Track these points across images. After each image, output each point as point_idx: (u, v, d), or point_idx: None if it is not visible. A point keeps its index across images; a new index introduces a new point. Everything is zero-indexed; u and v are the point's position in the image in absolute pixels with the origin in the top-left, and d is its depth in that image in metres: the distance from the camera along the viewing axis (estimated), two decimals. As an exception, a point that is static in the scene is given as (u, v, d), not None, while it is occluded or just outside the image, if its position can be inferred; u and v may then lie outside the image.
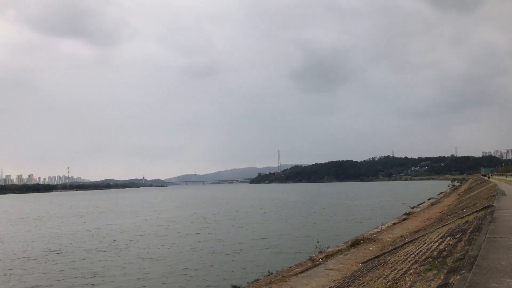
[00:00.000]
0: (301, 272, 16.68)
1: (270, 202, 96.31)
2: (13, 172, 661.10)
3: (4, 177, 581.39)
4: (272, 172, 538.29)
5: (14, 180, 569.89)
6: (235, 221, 51.51)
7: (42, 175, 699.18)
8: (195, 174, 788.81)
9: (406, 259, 10.87)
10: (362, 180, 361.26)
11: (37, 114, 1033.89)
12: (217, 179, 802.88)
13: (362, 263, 16.50)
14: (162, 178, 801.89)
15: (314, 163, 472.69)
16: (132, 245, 34.16)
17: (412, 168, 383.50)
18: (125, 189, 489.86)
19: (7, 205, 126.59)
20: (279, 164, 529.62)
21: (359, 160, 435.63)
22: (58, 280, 22.46)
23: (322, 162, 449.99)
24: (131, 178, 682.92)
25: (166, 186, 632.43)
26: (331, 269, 16.63)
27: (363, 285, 9.69)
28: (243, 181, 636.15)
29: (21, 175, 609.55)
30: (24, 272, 24.87)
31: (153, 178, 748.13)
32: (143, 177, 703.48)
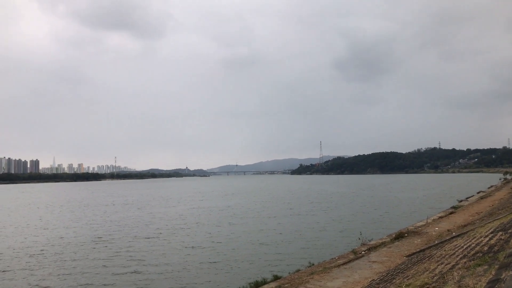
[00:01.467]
0: (343, 264, 16.50)
1: (311, 193, 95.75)
2: (64, 161, 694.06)
3: (56, 166, 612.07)
4: (313, 163, 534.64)
5: (65, 169, 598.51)
6: (276, 212, 51.60)
7: (91, 164, 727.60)
8: (236, 165, 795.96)
9: (454, 253, 10.48)
10: (407, 173, 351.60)
11: (86, 106, 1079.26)
12: (258, 170, 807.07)
13: (406, 256, 16.10)
14: (205, 168, 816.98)
15: (356, 154, 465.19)
16: (175, 234, 35.01)
17: (460, 160, 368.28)
18: (169, 178, 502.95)
19: (60, 193, 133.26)
20: (321, 155, 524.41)
21: (403, 152, 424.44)
22: (104, 266, 23.39)
23: (365, 154, 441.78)
24: (175, 168, 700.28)
25: (208, 176, 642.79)
26: (374, 261, 16.34)
27: (407, 278, 9.45)
28: (284, 172, 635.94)
29: (72, 164, 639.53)
30: (75, 257, 26.11)
31: (196, 168, 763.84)
32: (186, 167, 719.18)
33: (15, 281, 20.44)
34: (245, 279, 18.13)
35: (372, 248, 19.90)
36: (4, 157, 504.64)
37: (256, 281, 15.73)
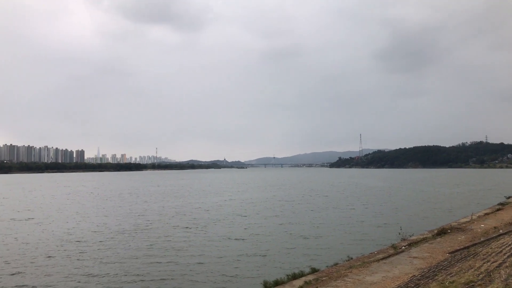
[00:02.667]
0: (382, 259, 16.22)
1: (350, 187, 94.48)
2: (108, 152, 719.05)
3: (101, 156, 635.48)
4: (353, 156, 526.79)
5: (109, 159, 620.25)
6: (315, 205, 51.30)
7: (133, 154, 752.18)
8: (274, 157, 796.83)
9: (501, 251, 10.05)
10: (450, 167, 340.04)
11: (129, 98, 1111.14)
12: (295, 163, 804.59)
13: (449, 253, 15.61)
14: (242, 160, 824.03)
15: (397, 148, 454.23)
16: (213, 225, 35.53)
17: (509, 155, 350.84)
18: (208, 169, 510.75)
19: (104, 182, 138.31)
20: (361, 149, 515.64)
21: (447, 146, 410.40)
22: (145, 255, 24.05)
23: (407, 147, 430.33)
24: (213, 160, 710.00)
25: (246, 168, 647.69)
26: (415, 257, 15.95)
27: (451, 275, 9.15)
28: (322, 165, 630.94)
29: (115, 155, 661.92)
30: (116, 245, 27.05)
31: (234, 160, 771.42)
32: (224, 159, 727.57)
33: (58, 267, 21.42)
34: (282, 271, 18.17)
35: (412, 244, 19.44)
36: (52, 147, 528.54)
37: (294, 273, 15.74)
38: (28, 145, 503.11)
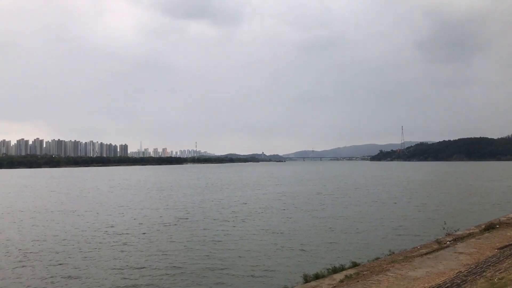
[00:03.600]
0: (426, 254, 15.76)
1: (392, 180, 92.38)
2: (150, 146, 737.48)
3: (143, 150, 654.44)
4: (394, 149, 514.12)
5: (151, 153, 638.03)
6: (355, 199, 50.52)
7: (174, 148, 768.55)
8: (313, 150, 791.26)
9: (556, 247, 9.50)
10: (499, 160, 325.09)
11: (169, 93, 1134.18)
12: (335, 156, 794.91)
13: (498, 249, 14.96)
14: (280, 153, 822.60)
15: (441, 140, 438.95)
16: (251, 217, 35.72)
17: None
18: (246, 163, 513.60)
19: (147, 175, 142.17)
20: (402, 141, 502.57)
21: (495, 137, 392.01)
22: (185, 246, 24.51)
23: (451, 139, 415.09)
24: (252, 153, 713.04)
25: (284, 161, 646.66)
26: (460, 252, 15.40)
27: (500, 271, 8.76)
28: (362, 158, 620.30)
29: (157, 149, 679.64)
30: (158, 237, 27.74)
31: (272, 154, 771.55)
32: (263, 152, 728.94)
33: (102, 259, 22.22)
34: (322, 264, 18.04)
35: (458, 239, 18.77)
36: (97, 142, 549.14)
37: (334, 266, 15.58)
38: (75, 140, 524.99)
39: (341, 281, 13.41)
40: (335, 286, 12.86)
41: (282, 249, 23.11)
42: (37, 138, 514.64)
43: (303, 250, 22.82)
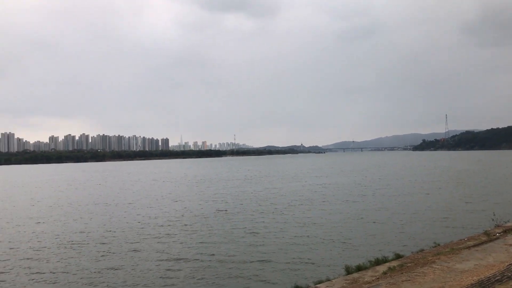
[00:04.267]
0: (473, 246, 15.15)
1: (437, 170, 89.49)
2: (190, 139, 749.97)
3: (183, 143, 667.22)
4: (438, 138, 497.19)
5: (191, 146, 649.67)
6: (398, 190, 49.27)
7: (213, 141, 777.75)
8: (353, 141, 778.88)
9: None
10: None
11: (207, 87, 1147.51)
12: (376, 146, 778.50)
13: (553, 241, 14.17)
14: (320, 145, 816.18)
15: (489, 128, 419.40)
16: (290, 209, 35.58)
17: None
18: (285, 155, 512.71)
19: (188, 168, 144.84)
20: (447, 130, 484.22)
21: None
22: (225, 238, 24.78)
23: (500, 127, 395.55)
24: (290, 145, 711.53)
25: (324, 153, 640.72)
26: (511, 244, 14.71)
27: (556, 265, 8.28)
28: (405, 148, 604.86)
29: (197, 142, 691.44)
30: (200, 228, 28.18)
31: (311, 145, 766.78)
32: (301, 144, 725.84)
33: (146, 252, 22.85)
34: (364, 257, 17.75)
35: (508, 231, 17.91)
36: (140, 136, 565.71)
37: (377, 258, 15.27)
38: (119, 135, 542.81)
39: (384, 273, 13.13)
40: (378, 278, 12.61)
41: (322, 241, 22.89)
42: (83, 134, 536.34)
43: (344, 242, 22.50)
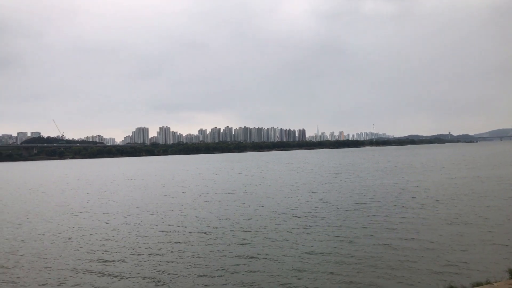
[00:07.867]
0: None
1: None
2: (327, 130, 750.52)
3: (320, 134, 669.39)
4: None
5: (328, 137, 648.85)
6: None
7: (350, 131, 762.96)
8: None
9: None
10: None
11: (344, 75, 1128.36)
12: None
13: None
14: (471, 133, 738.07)
15: None
16: (434, 204, 32.33)
17: None
18: (430, 145, 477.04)
19: (324, 158, 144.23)
20: None
21: None
22: (360, 232, 23.64)
23: None
24: (436, 134, 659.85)
25: (476, 142, 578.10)
26: None
27: None
28: None
29: (333, 132, 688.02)
30: (335, 222, 27.35)
31: (460, 134, 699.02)
32: (449, 132, 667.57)
33: (281, 242, 22.83)
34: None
35: None
36: (278, 128, 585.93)
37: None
38: (258, 127, 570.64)
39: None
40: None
41: (477, 242, 20.12)
42: (227, 126, 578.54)
43: (504, 244, 19.31)
